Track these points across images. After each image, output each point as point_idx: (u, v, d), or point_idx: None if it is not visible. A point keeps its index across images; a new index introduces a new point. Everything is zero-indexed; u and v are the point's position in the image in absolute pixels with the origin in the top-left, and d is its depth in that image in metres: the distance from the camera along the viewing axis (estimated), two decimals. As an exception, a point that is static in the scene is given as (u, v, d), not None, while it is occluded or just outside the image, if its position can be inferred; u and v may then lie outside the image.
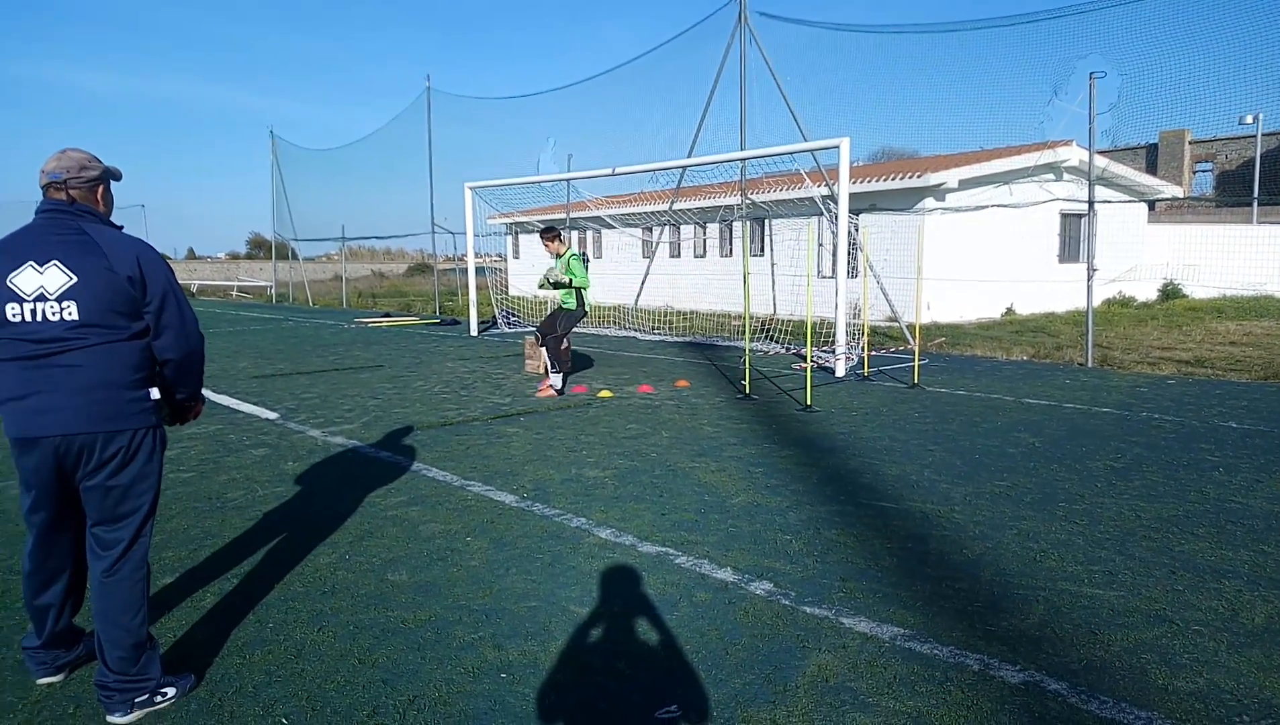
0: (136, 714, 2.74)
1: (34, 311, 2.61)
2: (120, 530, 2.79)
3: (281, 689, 2.91)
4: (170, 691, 2.82)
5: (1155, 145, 34.70)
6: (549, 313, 9.69)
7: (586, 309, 9.70)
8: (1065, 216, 19.41)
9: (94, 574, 2.80)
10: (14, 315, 2.61)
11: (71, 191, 2.75)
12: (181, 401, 3.02)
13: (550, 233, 9.75)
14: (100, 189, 2.84)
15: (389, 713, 2.75)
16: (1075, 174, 18.59)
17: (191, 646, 3.23)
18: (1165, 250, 21.26)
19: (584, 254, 8.86)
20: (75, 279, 2.64)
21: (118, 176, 2.92)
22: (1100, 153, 12.16)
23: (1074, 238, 19.75)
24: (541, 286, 9.78)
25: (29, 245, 2.67)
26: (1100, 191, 12.41)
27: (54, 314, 2.62)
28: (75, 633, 3.02)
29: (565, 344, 9.54)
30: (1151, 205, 22.74)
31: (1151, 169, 32.24)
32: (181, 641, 3.27)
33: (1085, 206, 11.19)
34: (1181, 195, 24.27)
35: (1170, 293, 21.11)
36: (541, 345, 9.48)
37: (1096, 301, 12.05)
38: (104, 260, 2.67)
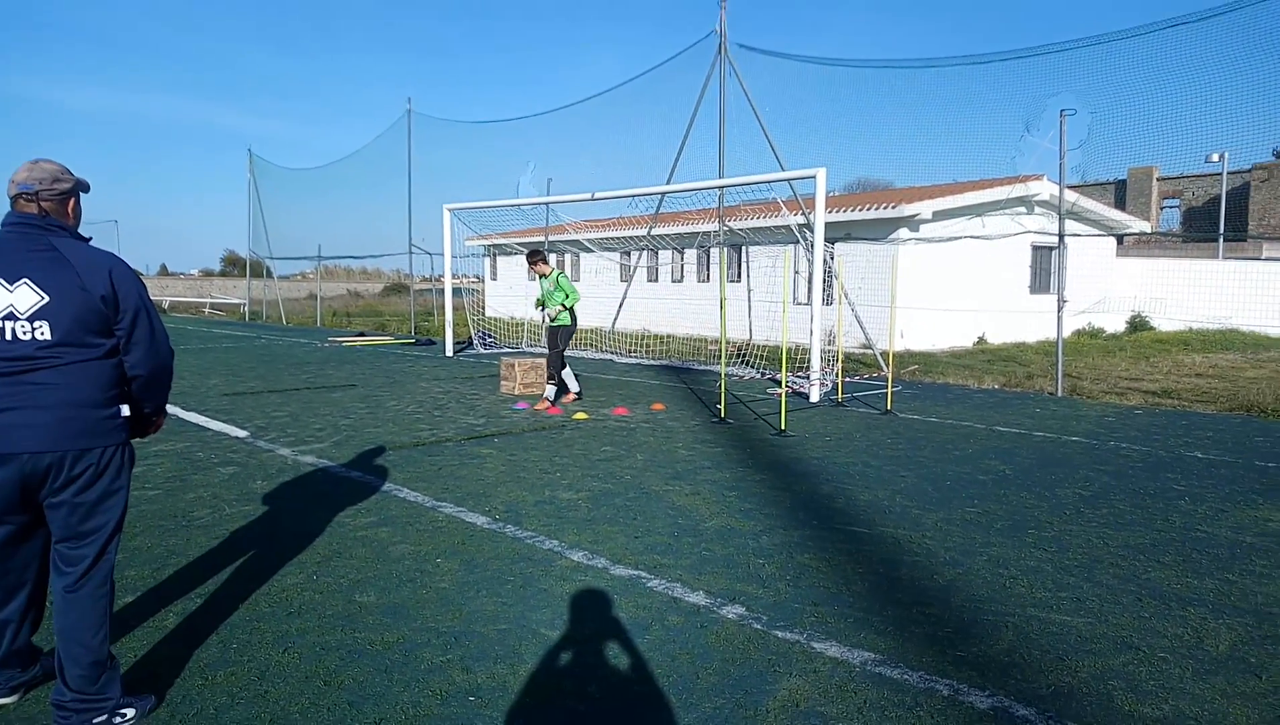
0: (94, 736, 2.67)
1: (3, 330, 2.56)
2: (85, 547, 2.73)
3: (245, 711, 2.85)
4: (129, 713, 2.76)
5: (1124, 181, 35.45)
6: (547, 333, 10.19)
7: (577, 321, 10.18)
8: (1036, 249, 19.74)
9: (56, 590, 2.73)
10: None
11: (43, 204, 2.69)
12: (146, 414, 2.98)
13: (536, 256, 10.22)
14: (71, 202, 2.79)
15: (354, 736, 2.70)
16: (1046, 207, 18.93)
17: (153, 667, 3.16)
18: (1133, 283, 21.67)
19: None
20: (47, 298, 2.59)
21: (87, 189, 2.88)
22: (1070, 188, 12.40)
23: (1045, 269, 20.08)
24: (539, 307, 10.32)
25: None
26: (1070, 225, 12.65)
27: (25, 333, 2.57)
28: (33, 652, 2.95)
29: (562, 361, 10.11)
30: (1120, 239, 23.19)
31: (1120, 204, 32.91)
32: (142, 661, 3.20)
33: (1056, 239, 11.39)
34: (1149, 230, 24.78)
35: (1138, 325, 21.48)
36: (560, 367, 9.99)
37: (1066, 332, 12.24)
38: (76, 278, 2.62)
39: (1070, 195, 14.20)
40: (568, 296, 9.92)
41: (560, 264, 26.39)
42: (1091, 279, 20.01)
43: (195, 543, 4.63)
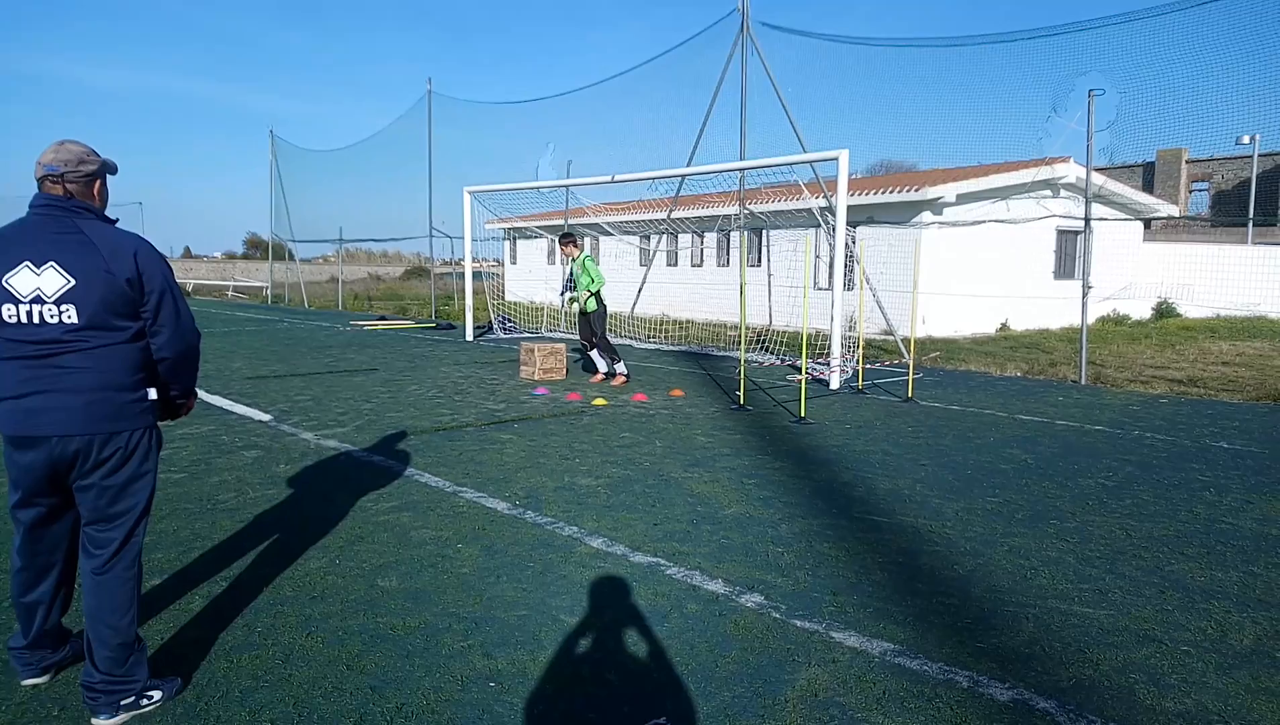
0: (122, 716, 2.72)
1: (30, 313, 2.59)
2: (113, 529, 2.77)
3: (268, 694, 2.89)
4: (156, 695, 2.81)
5: (1152, 164, 34.88)
6: (580, 322, 10.77)
7: (605, 306, 10.69)
8: (1061, 233, 19.50)
9: (85, 572, 2.78)
10: (10, 316, 2.59)
11: (69, 186, 2.70)
12: (174, 398, 3.01)
13: (568, 238, 10.85)
14: (97, 184, 2.80)
15: (376, 720, 2.74)
16: (1072, 191, 18.67)
17: (179, 649, 3.21)
18: (1160, 269, 21.36)
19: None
20: (73, 282, 2.61)
21: (114, 170, 2.88)
22: (1097, 170, 12.20)
23: (1070, 254, 19.83)
24: (572, 302, 10.86)
25: (24, 244, 2.63)
26: (1097, 209, 12.47)
27: (52, 317, 2.60)
28: (63, 633, 3.01)
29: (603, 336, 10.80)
30: (1147, 223, 22.85)
31: (1148, 187, 32.42)
32: (169, 644, 3.26)
33: (1081, 223, 11.23)
34: (1178, 214, 24.39)
35: (1164, 311, 21.19)
36: (591, 348, 10.70)
37: (1091, 319, 12.10)
38: (102, 261, 2.64)
39: (1097, 178, 13.99)
40: (592, 281, 10.37)
41: (579, 246, 26.41)
42: (1117, 264, 19.74)
43: (220, 526, 4.69)
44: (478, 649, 3.24)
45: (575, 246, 10.75)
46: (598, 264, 10.85)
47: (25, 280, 2.59)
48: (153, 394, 2.84)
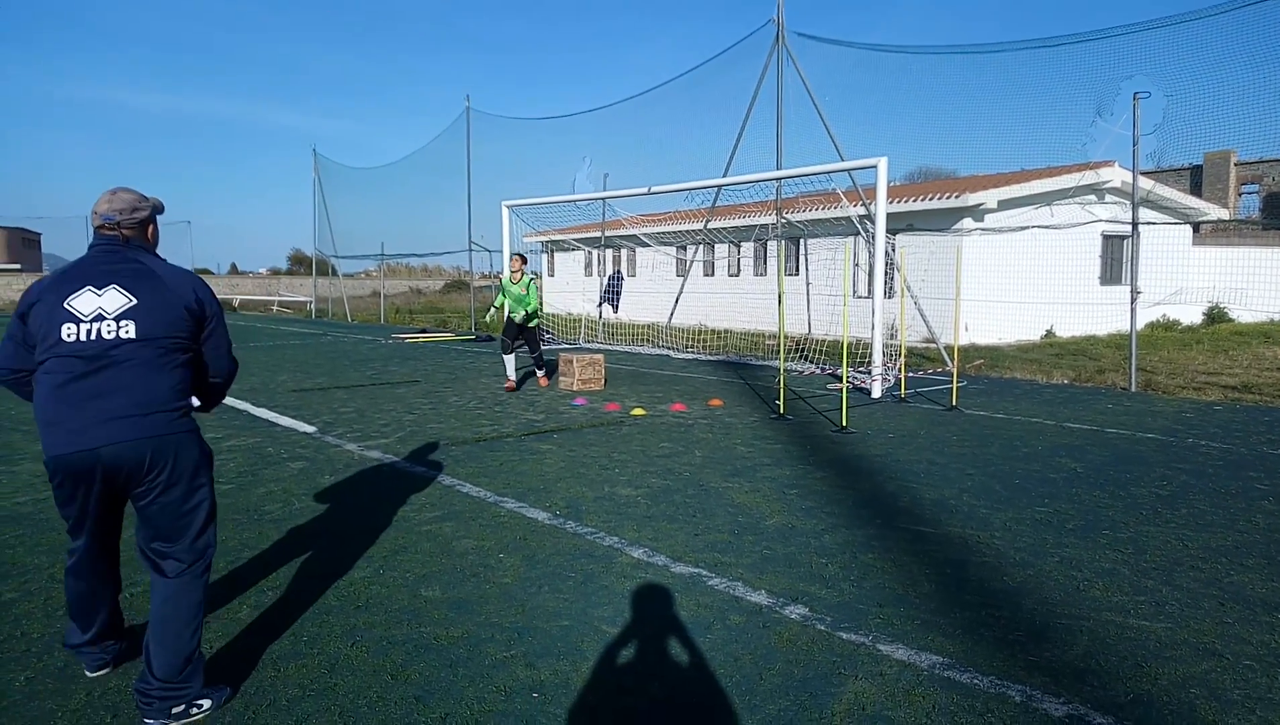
0: (172, 724, 2.76)
1: (89, 331, 2.72)
2: (179, 543, 2.87)
3: (314, 704, 2.91)
4: (206, 703, 2.84)
5: (1200, 166, 34.07)
6: (525, 330, 11.35)
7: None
8: (1107, 238, 19.11)
9: (155, 583, 2.86)
10: (69, 335, 2.71)
11: (124, 231, 2.91)
12: (200, 409, 3.21)
13: (520, 257, 11.51)
14: (150, 227, 3.02)
15: (421, 730, 2.74)
16: (1118, 195, 18.30)
17: (227, 658, 3.25)
18: (1211, 273, 20.81)
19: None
20: (135, 300, 2.77)
21: (162, 210, 3.09)
22: (1144, 174, 11.93)
23: (1116, 259, 19.43)
24: (514, 312, 11.27)
25: (87, 271, 2.80)
26: (1144, 213, 12.19)
27: (109, 332, 2.72)
28: (118, 619, 3.14)
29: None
30: (1196, 227, 22.30)
31: (1196, 190, 31.66)
32: (218, 653, 3.30)
33: (1128, 228, 11.00)
34: (1227, 217, 23.79)
35: (1216, 316, 20.64)
36: (532, 356, 11.61)
37: (1139, 324, 11.82)
38: (163, 285, 2.83)
39: (1145, 182, 13.68)
40: (531, 300, 11.24)
41: (617, 259, 26.53)
42: (1166, 269, 19.26)
43: (266, 536, 4.75)
44: (520, 659, 3.23)
45: (525, 263, 11.52)
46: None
47: (87, 301, 2.74)
48: (195, 402, 3.04)
